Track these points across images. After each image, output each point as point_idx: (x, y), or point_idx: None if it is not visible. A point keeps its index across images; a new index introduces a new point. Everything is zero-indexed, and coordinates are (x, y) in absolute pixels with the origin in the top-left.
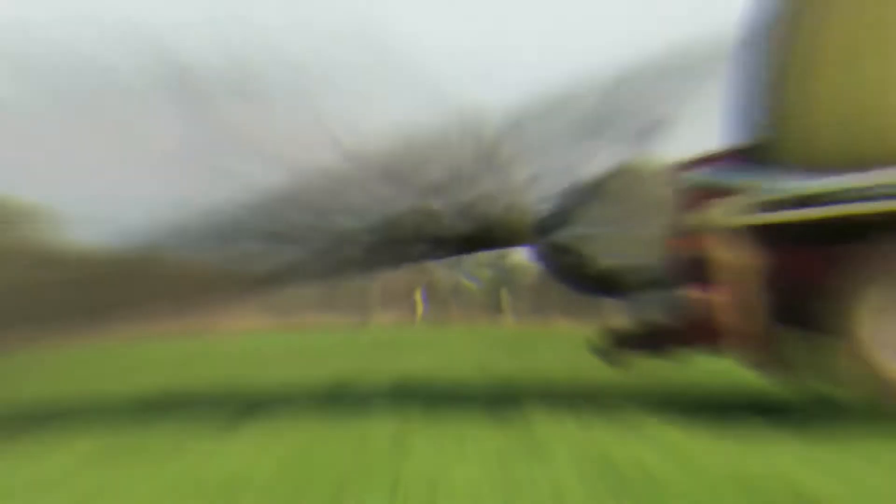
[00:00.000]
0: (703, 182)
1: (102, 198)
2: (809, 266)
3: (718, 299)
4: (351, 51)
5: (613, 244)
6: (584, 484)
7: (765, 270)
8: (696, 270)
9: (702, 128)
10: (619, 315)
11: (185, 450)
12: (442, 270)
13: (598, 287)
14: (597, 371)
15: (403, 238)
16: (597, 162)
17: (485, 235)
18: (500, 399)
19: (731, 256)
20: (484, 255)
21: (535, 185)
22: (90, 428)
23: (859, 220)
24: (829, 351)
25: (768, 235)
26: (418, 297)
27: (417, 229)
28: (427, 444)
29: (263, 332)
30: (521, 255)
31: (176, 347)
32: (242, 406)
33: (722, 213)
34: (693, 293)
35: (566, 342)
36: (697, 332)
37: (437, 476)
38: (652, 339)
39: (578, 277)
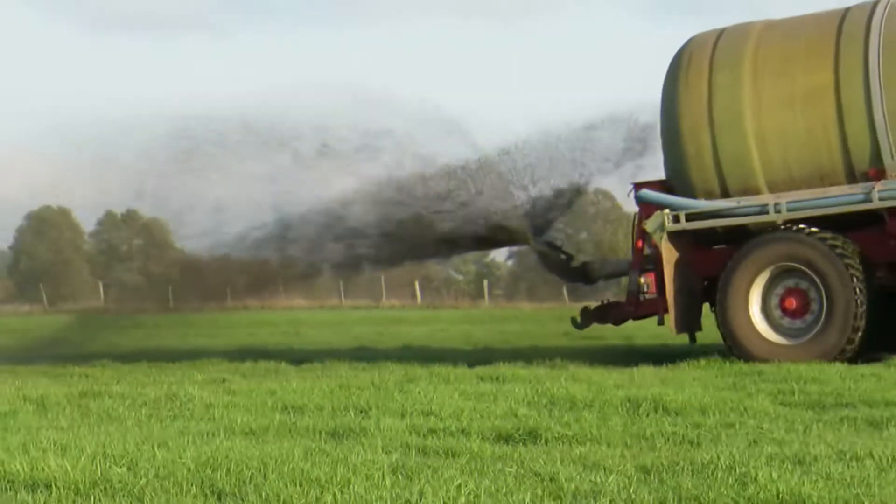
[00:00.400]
0: (650, 199)
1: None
2: (711, 260)
3: (657, 283)
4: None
5: (584, 245)
6: (529, 405)
7: (686, 262)
8: (647, 262)
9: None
10: (572, 298)
11: (263, 383)
12: (435, 265)
13: (578, 277)
14: (546, 338)
15: (435, 238)
16: (568, 183)
17: (492, 237)
18: (478, 358)
19: (666, 252)
20: (470, 254)
21: (528, 199)
22: (209, 365)
23: (734, 228)
24: (717, 318)
25: (689, 238)
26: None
27: (446, 232)
28: (425, 386)
29: (305, 310)
30: (497, 254)
31: (250, 317)
32: (296, 358)
33: (660, 222)
34: (645, 279)
35: (528, 319)
36: (643, 307)
37: (432, 406)
38: (611, 313)
39: (563, 269)
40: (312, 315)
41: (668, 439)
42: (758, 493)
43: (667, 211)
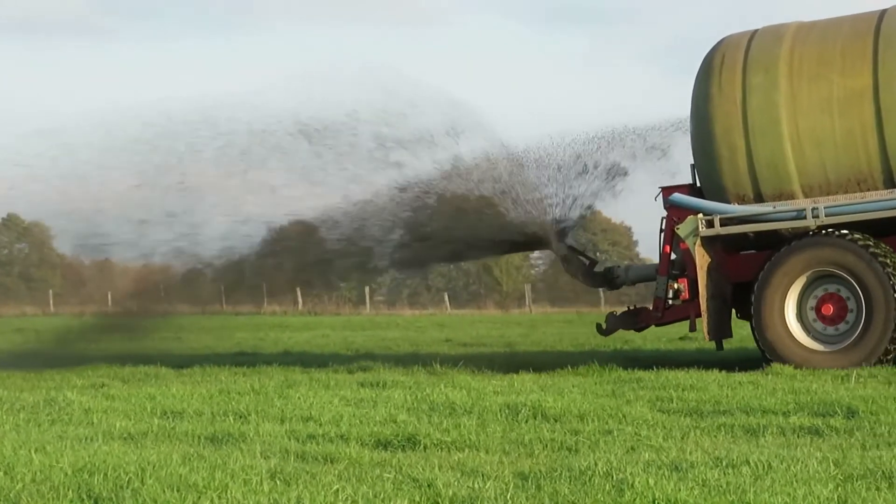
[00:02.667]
0: (682, 203)
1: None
2: (742, 265)
3: (689, 288)
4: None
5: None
6: (408, 411)
7: (717, 268)
8: (679, 267)
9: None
10: (454, 305)
11: (143, 388)
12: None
13: (601, 282)
14: (427, 344)
15: (467, 241)
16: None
17: (514, 240)
18: (359, 364)
19: (699, 257)
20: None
21: (553, 206)
22: (89, 370)
23: (765, 233)
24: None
25: (719, 243)
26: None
27: (478, 235)
28: (305, 392)
29: (186, 315)
30: None
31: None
32: (177, 363)
33: (694, 227)
34: (678, 284)
35: (409, 326)
36: (670, 313)
37: (311, 412)
38: (637, 319)
39: (586, 274)
40: (194, 320)
41: (547, 446)
42: (634, 499)
43: (700, 215)
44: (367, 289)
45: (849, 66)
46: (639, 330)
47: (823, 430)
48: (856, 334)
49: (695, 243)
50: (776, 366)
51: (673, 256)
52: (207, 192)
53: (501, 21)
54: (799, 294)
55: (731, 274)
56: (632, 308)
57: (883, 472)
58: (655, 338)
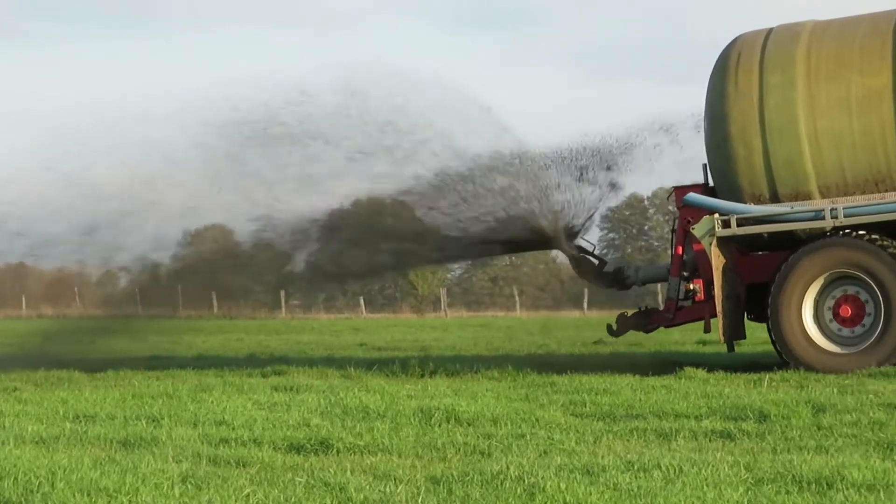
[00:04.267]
0: (698, 203)
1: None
2: (756, 266)
3: (703, 288)
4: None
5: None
6: (322, 415)
7: (732, 268)
8: (689, 267)
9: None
10: (370, 309)
11: (55, 392)
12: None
13: (611, 282)
14: (342, 349)
15: (479, 239)
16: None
17: (524, 239)
18: (273, 368)
19: (715, 258)
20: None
21: (564, 205)
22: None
23: (779, 234)
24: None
25: (734, 244)
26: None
27: (488, 234)
28: (218, 395)
29: (101, 318)
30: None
31: (43, 325)
32: (90, 366)
33: (710, 227)
34: (691, 284)
35: (325, 330)
36: (682, 314)
37: (224, 416)
38: (649, 320)
39: (596, 275)
40: (107, 323)
41: (460, 449)
42: (545, 502)
43: (717, 215)
44: (282, 293)
45: (867, 65)
46: (648, 331)
47: (735, 434)
48: (874, 336)
49: (711, 244)
50: (689, 370)
51: (684, 257)
52: (123, 197)
53: (414, 23)
54: (816, 295)
55: (745, 275)
56: (643, 309)
57: (793, 475)
58: (570, 342)
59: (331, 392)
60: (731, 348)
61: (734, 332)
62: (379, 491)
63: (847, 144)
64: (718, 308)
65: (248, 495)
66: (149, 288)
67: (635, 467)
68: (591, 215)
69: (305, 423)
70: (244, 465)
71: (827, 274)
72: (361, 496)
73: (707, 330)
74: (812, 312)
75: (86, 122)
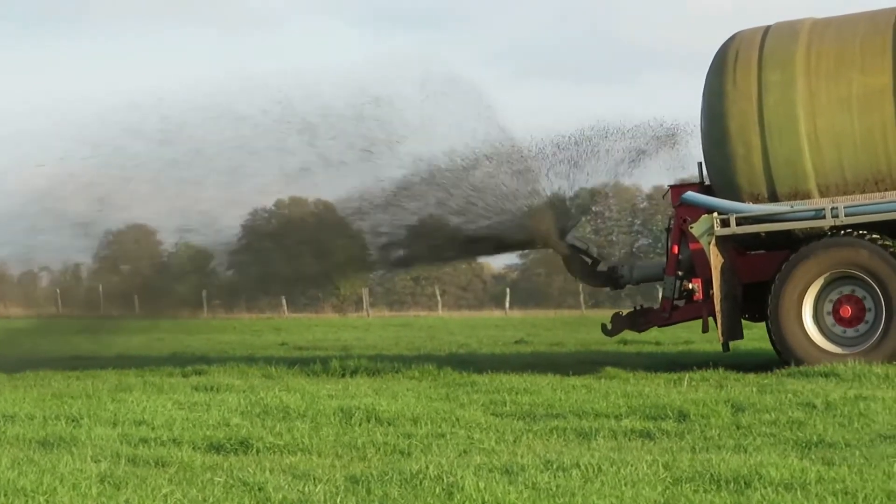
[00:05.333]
0: (697, 202)
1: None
2: (754, 265)
3: (700, 288)
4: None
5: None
6: (242, 415)
7: (729, 268)
8: (685, 266)
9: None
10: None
11: None
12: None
13: (605, 281)
14: (263, 348)
15: (455, 239)
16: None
17: (516, 238)
18: (194, 367)
19: (714, 257)
20: (190, 264)
21: (555, 198)
22: None
23: (777, 233)
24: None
25: (731, 243)
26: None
27: (468, 232)
28: (138, 395)
29: (21, 318)
30: (218, 263)
31: None
32: (9, 367)
33: (709, 226)
34: (690, 283)
35: (246, 329)
36: (679, 313)
37: (144, 416)
38: (644, 319)
39: (589, 274)
40: (28, 323)
41: (380, 449)
42: (463, 501)
43: (716, 214)
44: (203, 292)
45: (868, 63)
46: (641, 331)
47: (655, 433)
48: (875, 337)
49: (710, 243)
50: (610, 369)
51: (681, 256)
52: (45, 197)
53: (331, 23)
54: (816, 296)
55: (742, 274)
56: (638, 308)
57: (711, 474)
58: (492, 342)
59: (251, 392)
60: (726, 348)
61: (732, 332)
62: (298, 490)
63: (847, 143)
64: (717, 308)
65: (165, 495)
66: (70, 288)
67: (554, 466)
68: (583, 212)
69: (225, 423)
70: (163, 465)
71: (827, 274)
72: (280, 496)
73: (705, 329)
74: (812, 313)
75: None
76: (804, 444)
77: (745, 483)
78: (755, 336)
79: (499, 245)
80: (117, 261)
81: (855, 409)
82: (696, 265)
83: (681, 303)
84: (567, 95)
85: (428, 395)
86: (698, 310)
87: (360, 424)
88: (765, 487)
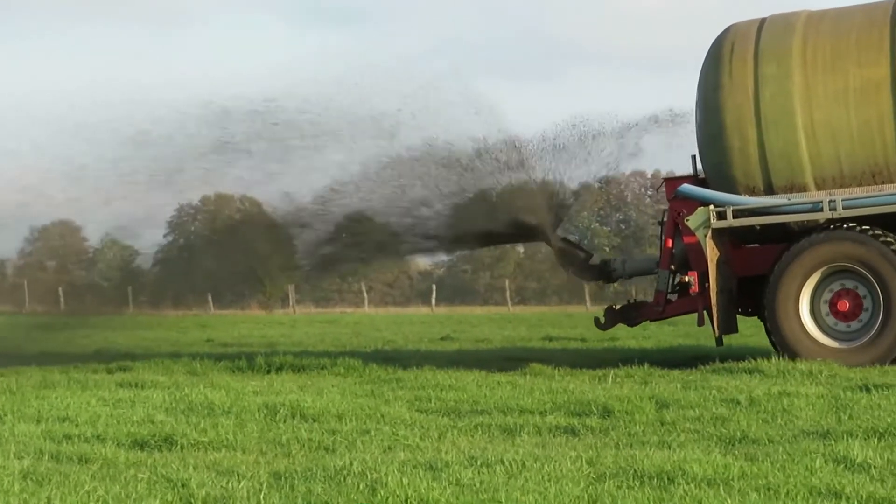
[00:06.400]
0: (693, 195)
1: None
2: (749, 258)
3: (696, 281)
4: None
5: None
6: (167, 411)
7: (725, 261)
8: (678, 260)
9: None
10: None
11: None
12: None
13: (598, 275)
14: (189, 345)
15: (446, 231)
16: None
17: (509, 232)
18: (120, 364)
19: (710, 250)
20: (115, 260)
21: (550, 193)
22: None
23: (771, 227)
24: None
25: (728, 236)
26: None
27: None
28: (62, 392)
29: None
30: (144, 260)
31: None
32: None
33: (705, 218)
34: (686, 277)
35: (172, 326)
36: (672, 307)
37: (68, 412)
38: (637, 313)
39: (582, 267)
40: None
41: (304, 445)
42: (387, 498)
43: (711, 207)
44: (129, 288)
45: (865, 56)
46: (633, 325)
47: (579, 429)
48: (873, 331)
49: (706, 236)
50: (535, 366)
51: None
52: None
53: (261, 19)
54: (813, 290)
55: (736, 267)
56: (632, 302)
57: (635, 470)
58: (417, 338)
59: (176, 388)
60: (720, 342)
61: (727, 326)
62: (221, 487)
63: (844, 136)
64: (714, 301)
65: (88, 492)
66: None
67: (478, 462)
68: (576, 202)
69: (150, 420)
70: (86, 462)
71: (825, 268)
72: (203, 492)
73: (701, 323)
74: (809, 307)
75: None
76: (728, 440)
77: (668, 479)
78: (679, 333)
79: (492, 238)
80: (42, 257)
81: (779, 406)
82: (690, 259)
83: (673, 296)
84: (496, 91)
85: (353, 391)
86: (692, 303)
87: (284, 421)
88: (688, 483)
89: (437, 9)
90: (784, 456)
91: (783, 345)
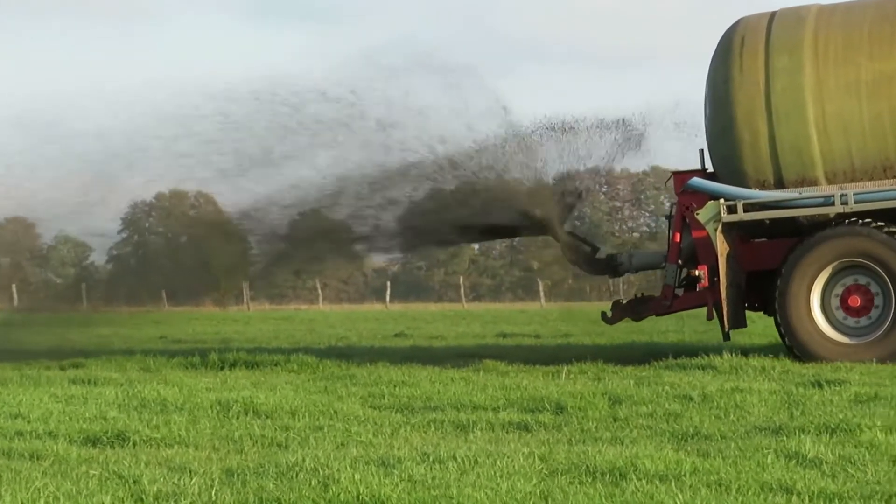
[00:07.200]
0: (703, 188)
1: None
2: (759, 253)
3: (705, 275)
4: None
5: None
6: (119, 408)
7: (734, 256)
8: (686, 254)
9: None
10: (171, 303)
11: None
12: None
13: (604, 269)
14: (142, 342)
15: (454, 225)
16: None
17: (516, 225)
18: (71, 361)
19: (720, 244)
20: (68, 256)
21: (556, 187)
22: None
23: (781, 221)
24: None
25: (738, 230)
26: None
27: (467, 218)
28: (14, 389)
29: None
30: (97, 256)
31: None
32: None
33: (716, 212)
34: (696, 270)
35: (126, 323)
36: (680, 301)
37: (20, 409)
38: (645, 307)
39: (588, 262)
40: None
41: (257, 442)
42: (338, 494)
43: (722, 200)
44: (83, 285)
45: (877, 49)
46: (640, 319)
47: (532, 425)
48: (884, 327)
49: (716, 230)
50: (488, 362)
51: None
52: None
53: (218, 17)
54: (824, 285)
55: (745, 262)
56: (639, 296)
57: (587, 466)
58: (371, 335)
59: (129, 385)
60: (727, 337)
61: (736, 321)
62: (173, 483)
63: (856, 130)
64: (723, 295)
65: (39, 488)
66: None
67: (431, 459)
68: (583, 197)
69: (102, 416)
70: (38, 458)
71: (836, 263)
72: (155, 488)
73: (710, 317)
74: (820, 302)
75: None
76: (680, 436)
77: (620, 475)
78: (633, 329)
79: (499, 232)
80: None
81: (731, 402)
82: (699, 253)
83: (680, 291)
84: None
85: (306, 387)
86: (700, 298)
87: (237, 417)
88: (640, 479)
89: (389, 5)
90: (736, 452)
91: (792, 340)
